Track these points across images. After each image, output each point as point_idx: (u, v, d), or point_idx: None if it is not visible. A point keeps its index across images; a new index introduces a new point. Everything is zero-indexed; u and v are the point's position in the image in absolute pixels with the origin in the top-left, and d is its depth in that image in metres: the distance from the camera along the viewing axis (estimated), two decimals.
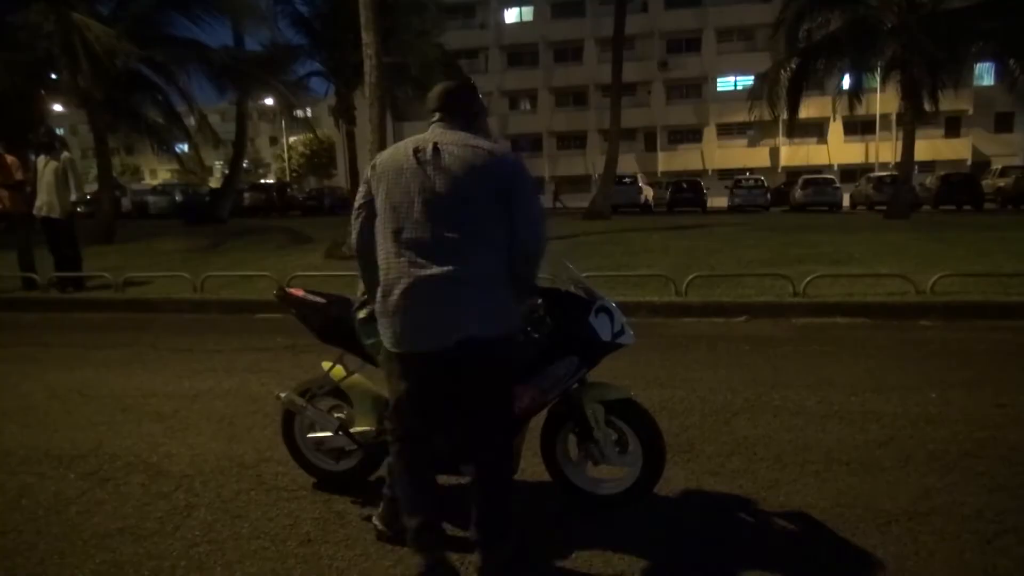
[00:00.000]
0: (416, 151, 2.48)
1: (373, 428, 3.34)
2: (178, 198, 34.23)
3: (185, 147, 24.40)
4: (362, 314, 3.13)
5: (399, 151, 2.54)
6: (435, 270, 2.41)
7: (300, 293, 3.49)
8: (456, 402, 2.61)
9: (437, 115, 2.62)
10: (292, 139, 60.23)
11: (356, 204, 2.64)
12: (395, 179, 2.49)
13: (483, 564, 2.62)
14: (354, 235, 2.66)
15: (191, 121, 21.48)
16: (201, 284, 9.58)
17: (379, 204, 2.54)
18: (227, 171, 29.48)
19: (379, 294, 2.54)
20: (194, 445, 4.24)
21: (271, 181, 51.98)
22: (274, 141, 67.71)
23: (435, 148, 2.47)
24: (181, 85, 19.52)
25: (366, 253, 2.63)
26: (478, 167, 2.43)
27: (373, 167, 2.59)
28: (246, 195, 34.62)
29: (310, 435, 3.53)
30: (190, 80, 19.73)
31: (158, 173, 66.08)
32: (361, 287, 3.17)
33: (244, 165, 30.99)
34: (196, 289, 9.53)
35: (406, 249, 2.45)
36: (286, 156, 59.18)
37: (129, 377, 5.90)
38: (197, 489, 3.60)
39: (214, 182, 50.56)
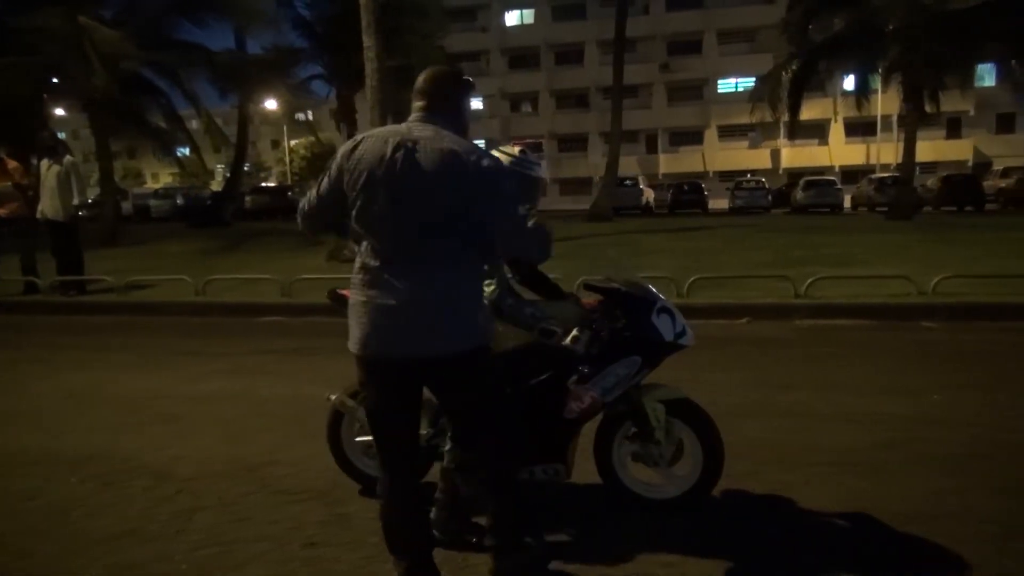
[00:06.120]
0: (396, 148, 2.29)
1: (426, 431, 3.24)
2: (180, 202, 34.25)
3: (187, 151, 24.45)
4: None
5: (382, 144, 2.32)
6: (400, 284, 2.29)
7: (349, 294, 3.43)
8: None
9: (422, 103, 2.42)
10: (294, 142, 60.24)
11: (323, 181, 2.44)
12: (371, 175, 2.30)
13: (496, 570, 2.62)
14: (307, 203, 2.49)
15: (193, 124, 21.53)
16: (203, 287, 9.58)
17: (353, 196, 2.34)
18: (228, 174, 29.49)
19: (351, 288, 2.41)
20: (199, 448, 4.24)
21: (272, 184, 52.00)
22: (276, 144, 67.66)
23: (412, 147, 2.29)
24: (187, 88, 19.58)
25: (316, 219, 2.51)
26: (444, 172, 2.25)
27: (354, 150, 2.36)
28: (248, 198, 34.63)
29: (359, 438, 3.45)
30: (192, 83, 19.81)
31: (160, 177, 66.08)
32: None
33: (246, 168, 30.96)
34: (198, 292, 9.54)
35: (378, 255, 2.33)
36: (287, 159, 59.18)
37: (134, 380, 5.90)
38: (202, 492, 3.59)
39: (216, 185, 50.58)
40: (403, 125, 2.40)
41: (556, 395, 3.04)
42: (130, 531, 3.20)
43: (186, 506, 3.43)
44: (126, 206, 31.92)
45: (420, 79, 2.46)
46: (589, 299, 3.28)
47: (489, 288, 2.86)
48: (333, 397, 3.43)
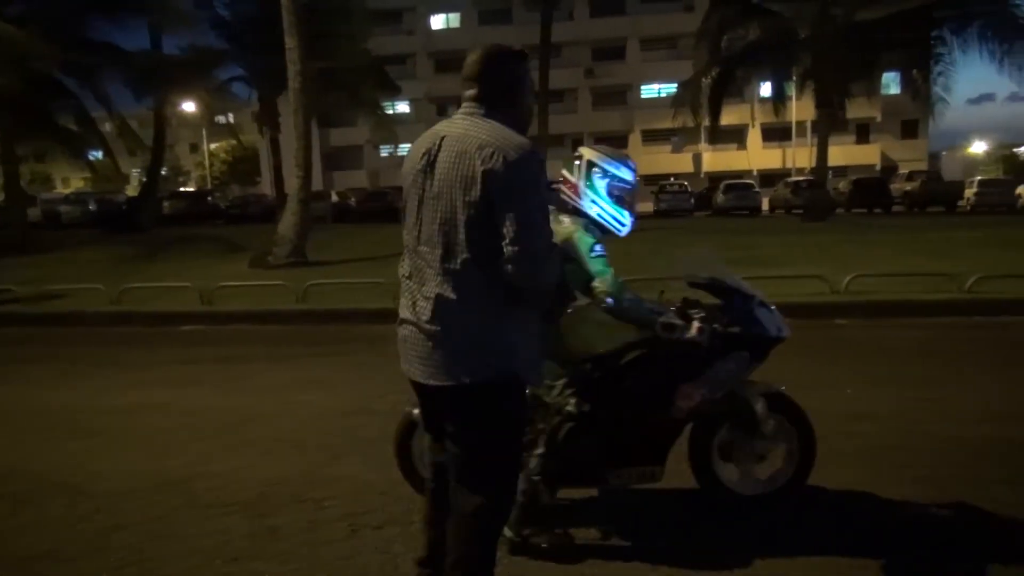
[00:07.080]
0: (427, 150, 2.05)
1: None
2: (92, 207, 32.88)
3: (100, 154, 23.54)
4: None
5: (421, 143, 2.10)
6: (414, 301, 2.07)
7: None
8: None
9: (471, 91, 2.07)
10: (214, 146, 58.57)
11: None
12: (407, 179, 2.11)
13: None
14: None
15: (107, 127, 20.75)
16: (119, 296, 9.23)
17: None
18: (145, 179, 28.48)
19: None
20: (120, 463, 4.09)
21: (191, 189, 50.45)
22: (194, 148, 65.65)
23: (437, 148, 2.02)
24: (99, 89, 18.85)
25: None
26: (453, 178, 1.96)
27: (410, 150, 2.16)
28: (166, 203, 33.53)
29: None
30: (105, 84, 19.10)
31: (71, 182, 63.26)
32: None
33: (163, 172, 29.95)
34: (113, 301, 9.19)
35: (409, 267, 2.13)
36: (207, 163, 57.49)
37: (48, 394, 5.65)
38: (123, 509, 3.47)
39: (131, 190, 48.77)
40: (448, 120, 2.11)
41: (666, 394, 2.95)
42: (48, 552, 3.07)
43: (107, 524, 3.31)
44: (34, 212, 30.42)
45: (468, 61, 2.10)
46: (662, 299, 3.22)
47: (607, 283, 2.84)
48: (416, 412, 2.84)
